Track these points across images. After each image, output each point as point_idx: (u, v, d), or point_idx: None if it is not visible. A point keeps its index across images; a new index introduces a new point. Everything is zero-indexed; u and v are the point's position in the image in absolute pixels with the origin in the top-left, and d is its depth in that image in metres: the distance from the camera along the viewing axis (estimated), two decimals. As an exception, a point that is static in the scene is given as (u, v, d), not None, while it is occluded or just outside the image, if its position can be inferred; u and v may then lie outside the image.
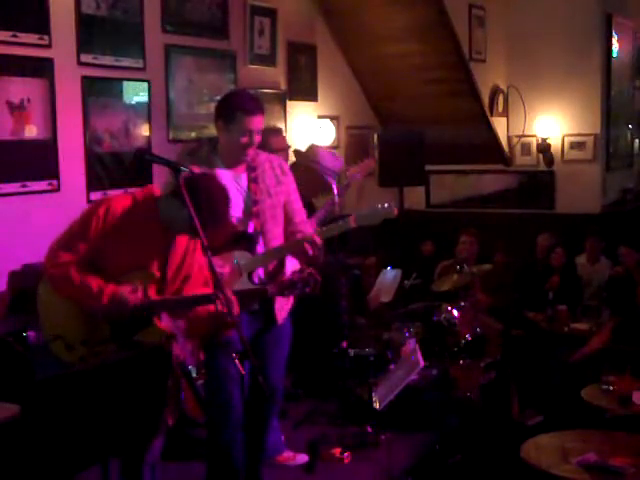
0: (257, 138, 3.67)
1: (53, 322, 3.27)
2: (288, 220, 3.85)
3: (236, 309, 3.15)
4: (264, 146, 4.14)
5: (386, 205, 3.78)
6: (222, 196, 3.22)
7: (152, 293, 3.22)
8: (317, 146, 5.26)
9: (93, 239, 3.17)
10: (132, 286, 3.15)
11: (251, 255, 3.69)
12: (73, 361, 3.23)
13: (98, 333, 3.21)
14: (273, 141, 5.00)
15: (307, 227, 3.92)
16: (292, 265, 3.85)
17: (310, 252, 3.61)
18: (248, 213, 3.71)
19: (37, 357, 4.12)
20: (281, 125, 6.72)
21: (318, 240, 3.62)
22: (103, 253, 3.20)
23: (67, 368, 3.20)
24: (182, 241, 3.29)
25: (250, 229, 3.71)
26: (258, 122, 3.64)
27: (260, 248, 3.72)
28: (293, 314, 4.01)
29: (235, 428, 3.75)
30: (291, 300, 3.94)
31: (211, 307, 3.18)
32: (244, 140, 3.63)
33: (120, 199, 3.26)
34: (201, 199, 3.09)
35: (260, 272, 3.75)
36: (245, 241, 3.69)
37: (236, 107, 3.65)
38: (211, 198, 3.15)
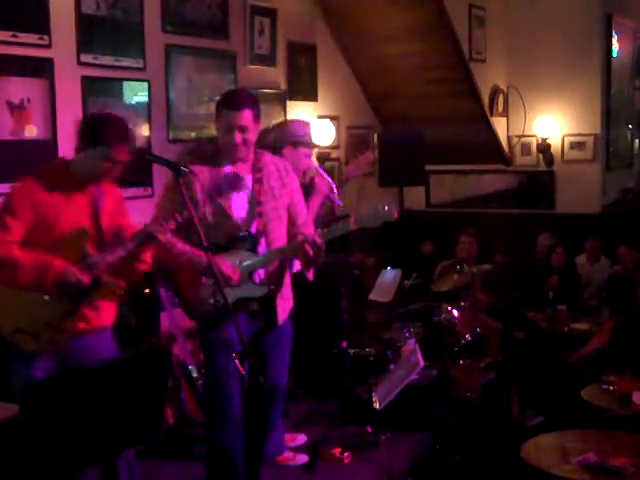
0: (246, 135, 3.60)
1: (8, 316, 3.30)
2: (291, 222, 3.86)
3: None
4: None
5: (386, 208, 3.77)
6: (117, 119, 3.46)
7: (91, 249, 3.34)
8: (285, 121, 5.15)
9: (19, 212, 3.26)
10: (74, 270, 3.25)
11: (253, 255, 3.69)
12: (41, 347, 3.30)
13: (57, 310, 3.29)
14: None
15: (309, 229, 3.92)
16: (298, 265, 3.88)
17: (311, 253, 3.60)
18: (252, 213, 3.71)
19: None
20: (281, 125, 6.72)
21: (319, 241, 3.62)
22: (34, 226, 3.28)
23: (31, 358, 3.27)
24: (111, 197, 3.47)
25: (253, 229, 3.71)
26: (240, 118, 3.57)
27: (262, 249, 3.72)
28: (293, 314, 4.01)
29: (234, 428, 3.75)
30: (291, 301, 3.94)
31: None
32: (228, 136, 3.59)
33: (35, 174, 3.38)
34: (101, 125, 3.34)
35: (261, 272, 3.75)
36: (247, 241, 3.69)
37: (219, 104, 3.66)
38: (107, 121, 3.41)
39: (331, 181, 4.79)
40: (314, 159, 4.87)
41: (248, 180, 3.73)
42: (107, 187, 3.52)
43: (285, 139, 4.56)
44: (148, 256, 3.53)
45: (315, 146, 4.91)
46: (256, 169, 3.74)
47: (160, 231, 3.38)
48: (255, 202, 3.71)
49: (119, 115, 3.63)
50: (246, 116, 3.59)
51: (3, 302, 3.31)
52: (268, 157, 3.82)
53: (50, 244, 3.29)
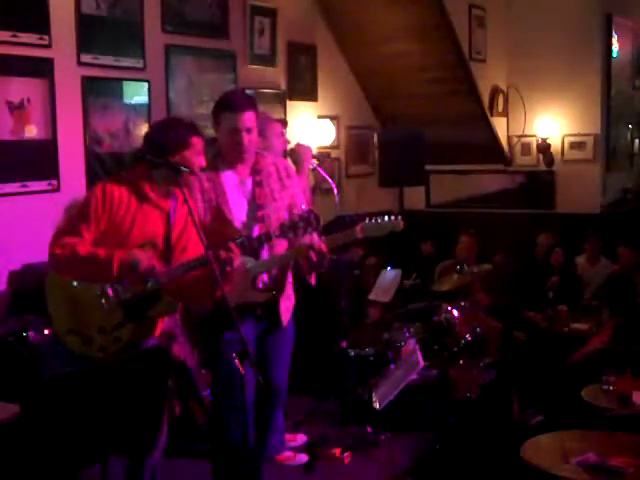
0: (251, 137, 3.61)
1: (64, 316, 3.28)
2: None
3: (237, 262, 3.23)
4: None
5: (393, 218, 3.78)
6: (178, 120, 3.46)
7: (157, 264, 3.26)
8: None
9: (94, 220, 3.22)
10: (140, 249, 3.20)
11: (255, 260, 3.67)
12: (92, 353, 3.25)
13: (112, 317, 3.23)
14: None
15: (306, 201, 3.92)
16: None
17: (315, 259, 3.58)
18: (253, 217, 3.69)
19: (42, 356, 4.14)
20: (281, 125, 6.72)
21: (324, 248, 3.60)
22: (106, 233, 3.24)
23: (83, 363, 3.23)
24: (181, 214, 3.35)
25: (255, 233, 3.70)
26: (245, 119, 3.57)
27: (265, 252, 3.70)
28: (294, 314, 4.01)
29: (242, 426, 3.74)
30: (292, 299, 3.94)
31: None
32: (233, 139, 3.58)
33: (115, 178, 3.36)
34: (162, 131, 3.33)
35: (264, 277, 3.74)
36: (250, 246, 3.68)
37: (222, 106, 3.64)
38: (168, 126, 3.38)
39: (331, 181, 4.80)
40: (314, 160, 4.85)
41: (248, 184, 3.72)
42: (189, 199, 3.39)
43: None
44: (219, 292, 3.40)
45: (285, 123, 4.88)
46: (255, 172, 3.72)
47: (227, 257, 3.23)
48: (255, 206, 3.69)
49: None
50: (251, 117, 3.61)
51: (60, 302, 3.29)
52: (268, 159, 3.80)
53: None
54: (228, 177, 3.68)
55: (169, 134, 3.32)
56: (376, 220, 3.79)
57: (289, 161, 4.40)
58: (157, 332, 3.46)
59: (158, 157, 3.27)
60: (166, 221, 3.35)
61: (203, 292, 3.27)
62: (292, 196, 3.82)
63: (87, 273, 3.20)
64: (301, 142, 4.76)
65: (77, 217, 3.27)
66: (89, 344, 3.24)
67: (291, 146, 4.75)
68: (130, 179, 3.36)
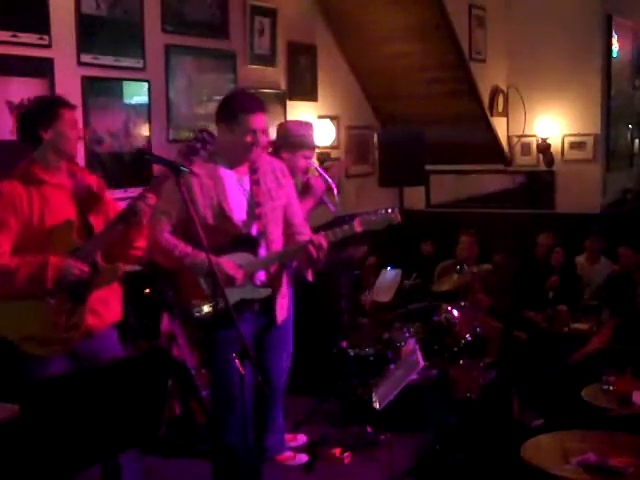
0: (263, 138, 3.68)
1: (15, 326, 3.27)
2: (287, 222, 3.86)
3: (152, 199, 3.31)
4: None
5: (390, 210, 3.79)
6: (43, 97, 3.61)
7: (77, 238, 3.32)
8: (285, 122, 5.12)
9: (4, 225, 3.23)
10: (71, 261, 3.23)
11: (253, 257, 3.69)
12: (52, 351, 3.28)
13: (64, 308, 3.27)
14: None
15: (306, 229, 3.93)
16: None
17: (315, 255, 3.60)
18: (251, 215, 3.71)
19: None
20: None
21: (324, 243, 3.62)
22: (22, 232, 3.25)
23: (44, 362, 3.24)
24: (88, 191, 3.44)
25: (253, 231, 3.71)
26: (261, 121, 3.66)
27: (262, 250, 3.72)
28: (293, 314, 4.01)
29: (241, 426, 3.74)
30: (287, 298, 3.94)
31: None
32: (248, 140, 3.63)
33: (6, 177, 3.38)
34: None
35: (261, 275, 3.75)
36: (248, 243, 3.68)
37: (238, 108, 3.66)
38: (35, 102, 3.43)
39: (332, 182, 4.79)
40: (314, 160, 4.86)
41: (246, 182, 3.74)
42: (84, 177, 3.49)
43: (283, 141, 4.55)
44: (141, 242, 3.49)
45: (315, 147, 4.89)
46: (253, 170, 3.75)
47: (142, 202, 3.31)
48: (254, 204, 3.72)
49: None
50: (264, 119, 3.70)
51: (7, 313, 3.27)
52: (265, 158, 3.84)
53: (39, 244, 3.27)
54: (227, 174, 3.70)
55: (37, 108, 3.39)
56: (374, 213, 3.81)
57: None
58: (117, 312, 3.50)
59: (33, 136, 3.35)
60: (73, 198, 3.39)
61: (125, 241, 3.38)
62: (288, 195, 3.86)
63: (19, 285, 3.19)
64: (317, 176, 4.75)
65: None
66: (47, 344, 3.26)
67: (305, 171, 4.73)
68: (19, 172, 3.39)
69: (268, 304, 3.79)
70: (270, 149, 4.35)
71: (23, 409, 2.57)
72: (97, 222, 3.43)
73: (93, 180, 3.54)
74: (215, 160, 3.70)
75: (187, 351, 4.80)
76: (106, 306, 3.43)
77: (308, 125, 4.77)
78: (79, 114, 5.07)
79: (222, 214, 3.65)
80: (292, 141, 4.54)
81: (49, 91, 4.88)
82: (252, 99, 3.81)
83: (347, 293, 5.80)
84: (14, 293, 3.23)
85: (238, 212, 3.69)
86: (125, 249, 3.46)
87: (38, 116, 3.35)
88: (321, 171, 4.85)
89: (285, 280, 3.92)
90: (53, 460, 2.58)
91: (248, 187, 3.74)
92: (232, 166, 3.72)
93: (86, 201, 3.43)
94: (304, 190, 4.58)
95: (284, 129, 4.70)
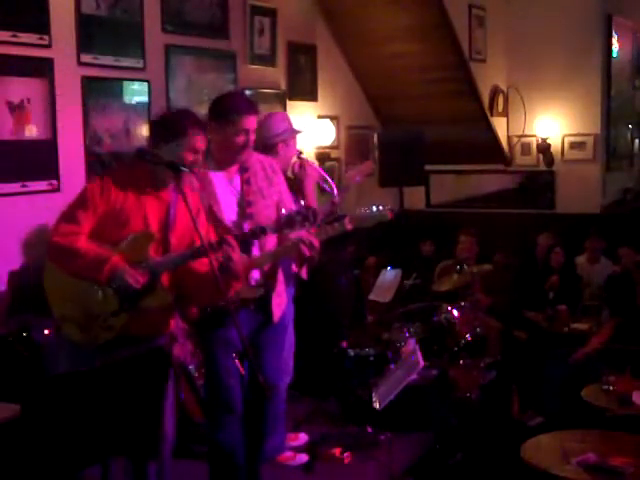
0: (252, 138, 3.68)
1: (61, 303, 3.29)
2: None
3: (236, 255, 3.23)
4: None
5: (381, 208, 3.78)
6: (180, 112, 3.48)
7: (152, 252, 3.28)
8: (266, 119, 5.06)
9: (91, 207, 3.23)
10: (130, 268, 3.19)
11: (247, 257, 3.68)
12: (88, 340, 3.26)
13: (107, 306, 3.24)
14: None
15: (312, 202, 3.93)
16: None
17: (307, 254, 3.60)
18: (242, 215, 3.71)
19: (44, 354, 4.14)
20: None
21: (316, 242, 3.62)
22: (104, 221, 3.25)
23: (85, 354, 3.22)
24: (182, 207, 3.34)
25: (245, 231, 3.70)
26: (252, 122, 3.65)
27: (255, 249, 3.71)
28: (294, 315, 4.01)
29: (236, 426, 3.75)
30: (284, 296, 3.93)
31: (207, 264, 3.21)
32: (240, 140, 3.62)
33: (115, 170, 3.43)
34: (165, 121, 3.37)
35: (255, 274, 3.75)
36: (243, 239, 3.68)
37: (231, 108, 3.66)
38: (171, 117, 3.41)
39: (332, 182, 4.79)
40: (314, 160, 4.86)
41: (236, 182, 3.74)
42: (186, 194, 3.36)
43: (274, 137, 4.53)
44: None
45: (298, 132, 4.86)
46: (243, 170, 3.75)
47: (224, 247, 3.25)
48: (245, 204, 3.71)
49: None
50: (256, 120, 3.70)
51: (59, 287, 3.29)
52: (255, 157, 3.83)
53: (116, 242, 3.26)
54: (217, 176, 3.70)
55: (175, 118, 3.39)
56: (364, 211, 3.81)
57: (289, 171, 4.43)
58: (162, 329, 3.43)
59: (159, 137, 3.34)
60: (165, 212, 3.36)
61: (210, 288, 3.27)
62: (280, 193, 3.85)
63: (78, 268, 3.21)
64: (308, 161, 4.74)
65: (75, 204, 3.28)
66: (85, 331, 3.26)
67: (295, 160, 4.72)
68: (129, 171, 3.40)
69: (264, 303, 3.78)
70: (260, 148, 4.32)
71: (24, 409, 2.57)
72: (178, 243, 3.37)
73: (194, 201, 3.44)
74: (205, 162, 3.69)
75: (187, 351, 4.79)
76: (149, 320, 3.34)
77: (285, 116, 4.80)
78: (80, 114, 5.10)
79: (213, 217, 3.64)
80: (282, 137, 4.53)
81: (49, 91, 4.89)
82: (246, 100, 3.82)
83: (347, 293, 5.80)
84: (71, 273, 3.24)
85: (228, 213, 3.68)
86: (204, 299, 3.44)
87: (171, 124, 3.34)
88: (321, 171, 4.85)
89: (281, 279, 3.91)
90: (53, 459, 2.58)
91: (239, 187, 3.74)
92: (222, 167, 3.71)
93: (177, 220, 3.38)
94: (301, 177, 4.59)
95: (270, 125, 4.65)
